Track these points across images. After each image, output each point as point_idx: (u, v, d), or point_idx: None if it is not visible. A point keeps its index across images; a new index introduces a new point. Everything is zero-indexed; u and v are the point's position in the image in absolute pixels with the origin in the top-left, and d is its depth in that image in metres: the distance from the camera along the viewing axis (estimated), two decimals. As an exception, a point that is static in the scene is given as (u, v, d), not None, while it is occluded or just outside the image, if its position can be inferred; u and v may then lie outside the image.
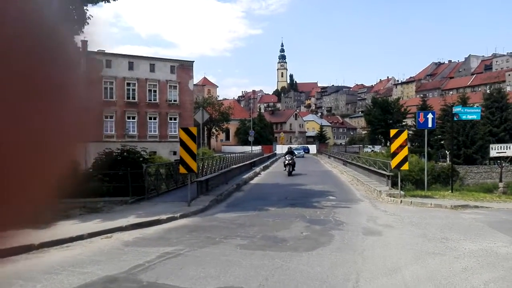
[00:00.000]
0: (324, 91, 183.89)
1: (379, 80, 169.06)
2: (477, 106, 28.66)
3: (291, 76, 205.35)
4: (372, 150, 56.41)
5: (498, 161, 32.27)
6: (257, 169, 26.91)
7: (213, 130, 69.09)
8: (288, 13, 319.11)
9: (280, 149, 65.04)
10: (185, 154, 11.23)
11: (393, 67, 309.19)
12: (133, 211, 10.43)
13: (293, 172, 23.71)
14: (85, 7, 10.78)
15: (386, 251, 7.04)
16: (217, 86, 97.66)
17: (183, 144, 11.26)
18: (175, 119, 41.40)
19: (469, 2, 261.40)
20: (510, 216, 11.32)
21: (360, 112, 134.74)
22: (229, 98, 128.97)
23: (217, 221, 9.88)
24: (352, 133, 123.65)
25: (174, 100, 41.74)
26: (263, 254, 6.67)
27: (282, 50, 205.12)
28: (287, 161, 23.94)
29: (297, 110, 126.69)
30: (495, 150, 17.84)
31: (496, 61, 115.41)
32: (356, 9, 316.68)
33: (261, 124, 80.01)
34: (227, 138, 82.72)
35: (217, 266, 5.99)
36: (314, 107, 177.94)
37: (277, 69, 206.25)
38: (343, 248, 7.17)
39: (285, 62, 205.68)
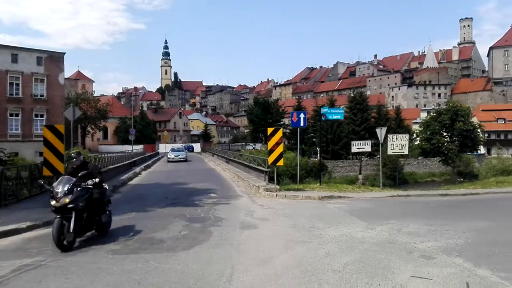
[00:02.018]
0: (209, 90, 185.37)
1: (260, 82, 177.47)
2: (341, 108, 32.08)
3: (175, 74, 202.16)
4: (254, 148, 58.97)
5: (358, 156, 36.82)
6: (138, 169, 25.77)
7: (89, 128, 63.89)
8: (172, 10, 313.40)
9: (164, 148, 63.49)
10: (50, 155, 10.12)
11: (273, 69, 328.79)
12: (-16, 222, 8.99)
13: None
14: None
15: (260, 243, 7.39)
16: (94, 81, 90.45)
17: (47, 143, 10.12)
18: (42, 116, 37.01)
19: (336, 14, 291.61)
20: (367, 204, 12.90)
21: (243, 112, 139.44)
22: (108, 95, 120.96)
23: (88, 226, 9.12)
24: (235, 132, 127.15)
25: (41, 95, 37.29)
26: (137, 258, 6.38)
27: (166, 47, 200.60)
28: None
29: (182, 109, 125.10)
30: (355, 147, 20.10)
31: (359, 68, 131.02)
32: (237, 12, 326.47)
33: (143, 122, 76.92)
34: (105, 137, 77.45)
35: (84, 275, 5.51)
36: (199, 106, 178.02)
37: (161, 66, 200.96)
38: (220, 244, 7.29)
39: (169, 60, 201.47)
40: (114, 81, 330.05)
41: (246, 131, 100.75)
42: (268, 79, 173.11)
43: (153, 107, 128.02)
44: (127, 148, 48.53)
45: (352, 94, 63.91)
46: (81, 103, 56.39)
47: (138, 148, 52.35)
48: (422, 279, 5.36)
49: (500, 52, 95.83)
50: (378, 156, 23.12)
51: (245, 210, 11.16)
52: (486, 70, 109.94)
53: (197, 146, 77.78)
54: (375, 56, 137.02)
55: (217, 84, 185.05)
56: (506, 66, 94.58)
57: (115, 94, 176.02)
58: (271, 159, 14.36)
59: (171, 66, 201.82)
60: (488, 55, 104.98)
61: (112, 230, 8.50)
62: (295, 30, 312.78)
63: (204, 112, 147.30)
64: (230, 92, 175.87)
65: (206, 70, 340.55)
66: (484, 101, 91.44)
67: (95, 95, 77.02)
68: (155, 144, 71.64)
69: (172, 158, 39.30)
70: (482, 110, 76.60)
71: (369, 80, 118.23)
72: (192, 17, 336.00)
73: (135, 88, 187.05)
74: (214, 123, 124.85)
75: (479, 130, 42.91)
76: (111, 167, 20.42)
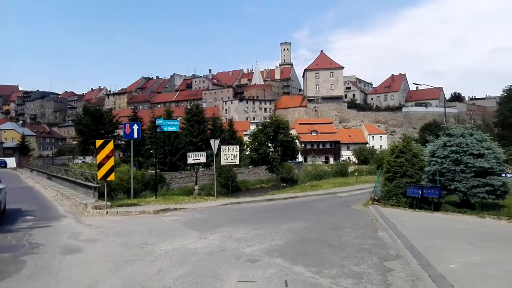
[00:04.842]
0: (27, 96, 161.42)
1: (90, 89, 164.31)
2: (177, 119, 32.28)
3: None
4: (84, 162, 53.84)
5: (195, 167, 37.63)
6: None
7: None
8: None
9: (-36, 164, 52.27)
10: None
11: (105, 77, 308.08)
12: None
13: None
14: None
15: (85, 268, 6.72)
16: None
17: None
18: None
19: (173, 25, 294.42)
20: (202, 214, 13.23)
21: (70, 121, 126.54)
22: None
23: None
24: (61, 144, 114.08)
25: None
26: None
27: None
28: None
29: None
30: (191, 158, 20.44)
31: (195, 81, 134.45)
32: (59, 9, 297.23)
33: None
34: None
35: None
36: (14, 114, 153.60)
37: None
38: (35, 274, 6.34)
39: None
40: None
41: (74, 143, 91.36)
42: (100, 86, 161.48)
43: None
44: None
45: (189, 106, 64.93)
46: None
47: None
48: (247, 282, 5.76)
49: (312, 74, 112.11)
50: (213, 166, 24.04)
51: (68, 232, 10.00)
52: (302, 89, 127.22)
53: (11, 161, 66.52)
54: (210, 70, 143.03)
55: (38, 90, 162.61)
56: (317, 86, 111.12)
57: None
58: (100, 173, 13.34)
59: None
60: (303, 76, 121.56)
61: None
62: (125, 39, 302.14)
63: (21, 121, 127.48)
64: (54, 99, 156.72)
65: (23, 73, 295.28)
66: (300, 115, 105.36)
67: None
68: (-49, 160, 58.37)
69: None
70: (299, 124, 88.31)
71: (205, 93, 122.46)
72: (4, 7, 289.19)
73: None
74: (34, 134, 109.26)
75: (297, 141, 48.78)
76: None
